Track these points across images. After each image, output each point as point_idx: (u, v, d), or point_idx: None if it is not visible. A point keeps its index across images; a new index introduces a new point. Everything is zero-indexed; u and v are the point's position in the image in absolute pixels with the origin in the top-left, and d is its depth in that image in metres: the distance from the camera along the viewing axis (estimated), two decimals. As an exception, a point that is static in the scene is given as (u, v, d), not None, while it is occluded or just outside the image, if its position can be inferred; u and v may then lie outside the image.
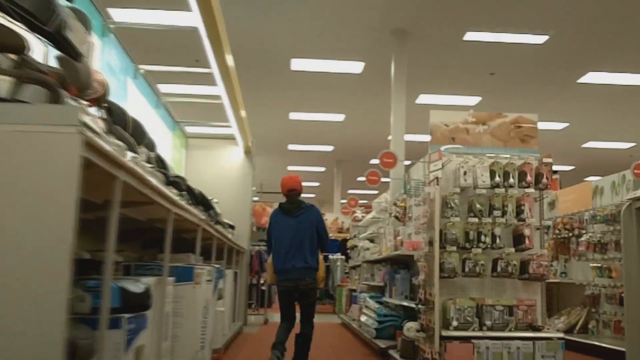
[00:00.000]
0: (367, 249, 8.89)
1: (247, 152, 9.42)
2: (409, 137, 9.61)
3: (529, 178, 4.92)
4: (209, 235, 5.48)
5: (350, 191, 21.74)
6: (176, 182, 4.09)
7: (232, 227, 8.25)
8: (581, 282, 7.86)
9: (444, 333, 4.60)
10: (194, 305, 3.67)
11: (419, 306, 4.92)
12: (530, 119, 5.23)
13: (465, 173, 4.87)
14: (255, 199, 20.11)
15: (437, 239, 4.72)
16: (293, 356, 5.31)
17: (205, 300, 3.69)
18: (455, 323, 4.61)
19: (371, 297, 7.35)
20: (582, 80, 10.73)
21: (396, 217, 7.36)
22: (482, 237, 4.82)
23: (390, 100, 9.66)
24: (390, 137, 9.36)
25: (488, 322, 4.67)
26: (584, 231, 7.72)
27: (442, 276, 4.72)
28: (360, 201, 13.50)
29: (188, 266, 3.74)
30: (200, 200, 5.16)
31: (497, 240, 4.84)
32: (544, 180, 4.94)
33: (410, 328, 5.26)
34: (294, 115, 13.47)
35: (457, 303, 4.66)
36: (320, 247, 5.39)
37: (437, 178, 4.84)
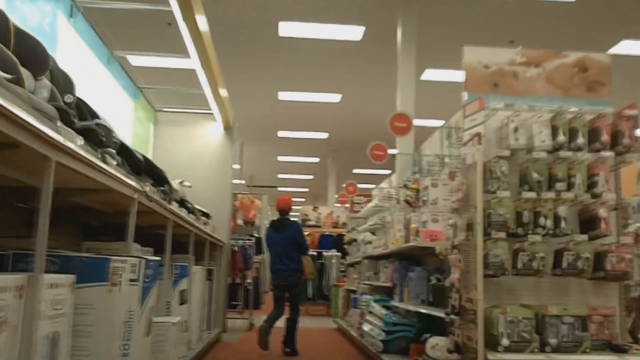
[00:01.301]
0: (369, 242, 7.48)
1: (227, 128, 7.98)
2: (418, 122, 8.20)
3: (604, 137, 3.52)
4: (163, 221, 4.07)
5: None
6: (92, 131, 2.66)
7: (206, 215, 6.84)
8: None
9: (491, 356, 3.18)
10: (108, 319, 2.25)
11: (452, 317, 3.51)
12: (600, 59, 3.82)
13: (516, 130, 3.46)
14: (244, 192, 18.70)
15: (480, 220, 3.31)
16: (284, 334, 6.86)
17: (126, 311, 2.28)
18: (506, 342, 3.20)
19: (376, 301, 5.93)
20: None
21: (407, 202, 5.95)
22: (541, 220, 3.42)
23: (396, 75, 8.24)
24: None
25: (553, 341, 3.26)
26: None
27: (485, 274, 3.31)
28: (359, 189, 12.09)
29: (98, 258, 2.32)
30: (146, 169, 3.74)
31: (562, 224, 3.44)
32: (625, 140, 3.53)
33: (436, 346, 3.85)
34: (283, 95, 12.03)
35: (508, 313, 3.24)
36: (301, 253, 6.99)
37: (479, 135, 3.41)
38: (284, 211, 7.15)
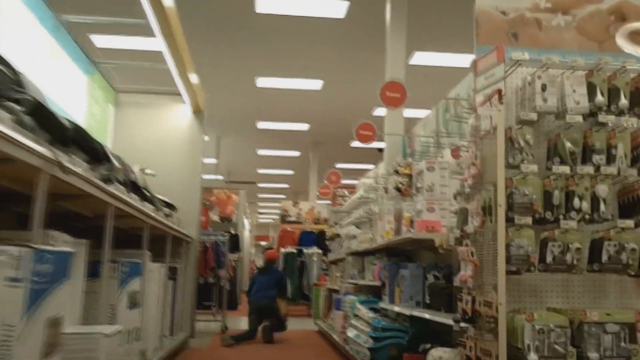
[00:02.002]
0: (354, 237, 6.74)
1: (197, 111, 7.19)
2: (407, 113, 7.46)
3: (651, 99, 2.80)
4: (102, 207, 3.29)
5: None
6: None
7: (170, 206, 6.06)
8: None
9: (516, 377, 2.46)
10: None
11: (463, 325, 2.77)
12: (641, 6, 3.11)
13: (544, 89, 2.73)
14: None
15: (502, 201, 2.57)
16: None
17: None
18: (534, 357, 2.47)
19: (362, 303, 5.19)
20: None
21: (397, 190, 5.23)
22: (575, 202, 2.70)
23: (383, 58, 7.47)
24: (382, 109, 7.18)
25: (594, 355, 2.54)
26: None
27: (506, 270, 2.58)
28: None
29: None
30: (75, 139, 2.94)
31: (602, 207, 2.72)
32: (677, 103, 2.82)
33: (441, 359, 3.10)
34: (262, 82, 11.24)
35: (536, 320, 2.52)
36: (280, 292, 8.20)
37: (499, 92, 2.67)
38: (271, 261, 8.81)
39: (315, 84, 11.33)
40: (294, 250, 13.16)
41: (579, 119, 2.72)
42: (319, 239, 13.77)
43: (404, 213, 4.70)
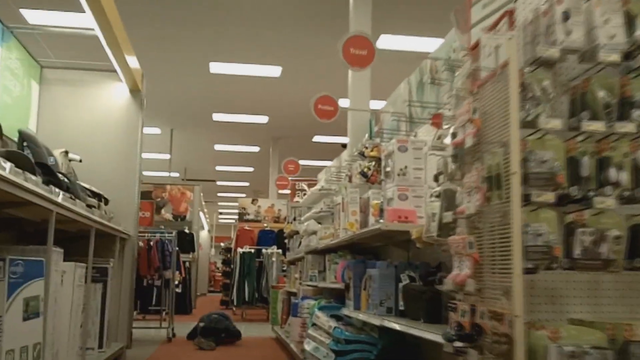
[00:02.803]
0: (314, 232, 5.95)
1: (135, 89, 6.30)
2: (373, 105, 6.69)
3: None
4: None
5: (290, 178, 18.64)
6: None
7: (97, 196, 5.18)
8: None
9: (539, 421, 1.70)
10: None
11: (459, 344, 1.98)
12: None
13: (566, 18, 1.99)
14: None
15: (516, 167, 1.81)
16: None
17: None
18: (563, 392, 1.72)
19: (322, 309, 4.39)
20: None
21: (363, 176, 4.46)
22: (611, 172, 1.96)
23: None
24: (345, 101, 6.41)
25: (644, 387, 1.80)
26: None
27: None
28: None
29: None
30: None
31: (646, 180, 1.98)
32: None
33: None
34: (215, 67, 10.35)
35: (563, 338, 1.77)
36: None
37: (509, 14, 1.90)
38: None
39: (274, 71, 10.51)
40: (252, 250, 12.33)
41: (615, 58, 1.97)
42: (278, 239, 12.98)
43: (371, 202, 3.93)
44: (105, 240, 5.58)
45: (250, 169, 19.91)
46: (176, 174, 19.16)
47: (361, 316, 3.63)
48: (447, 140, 3.13)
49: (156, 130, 14.73)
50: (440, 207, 2.74)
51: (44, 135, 5.82)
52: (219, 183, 22.35)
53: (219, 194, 25.58)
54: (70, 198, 4.10)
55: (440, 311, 2.85)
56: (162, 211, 14.10)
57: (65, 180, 4.37)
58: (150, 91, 11.57)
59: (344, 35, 4.49)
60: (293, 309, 5.60)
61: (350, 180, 5.25)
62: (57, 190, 3.68)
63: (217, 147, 16.64)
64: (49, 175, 4.05)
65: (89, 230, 5.00)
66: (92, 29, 4.97)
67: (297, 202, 8.02)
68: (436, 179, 3.14)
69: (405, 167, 3.90)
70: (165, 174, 17.27)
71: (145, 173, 19.07)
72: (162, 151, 16.00)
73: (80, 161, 5.57)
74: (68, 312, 3.88)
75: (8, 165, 2.96)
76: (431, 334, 2.19)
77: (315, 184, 8.70)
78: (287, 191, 16.81)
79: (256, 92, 11.75)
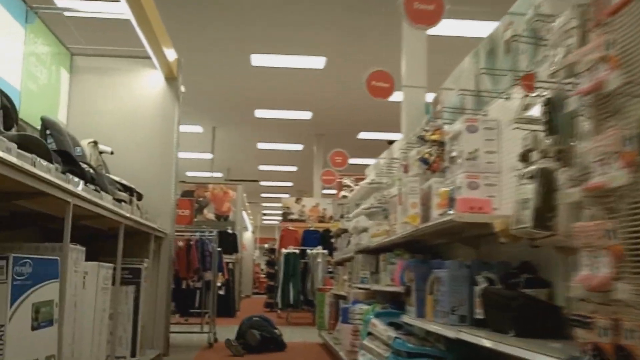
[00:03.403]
0: (364, 230, 5.40)
1: (171, 77, 5.88)
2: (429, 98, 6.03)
3: None
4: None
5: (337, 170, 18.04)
6: None
7: (129, 190, 4.75)
8: None
9: None
10: None
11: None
12: None
13: None
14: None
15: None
16: None
17: None
18: None
19: (379, 316, 3.84)
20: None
21: (424, 162, 3.89)
22: None
23: (400, 27, 6.06)
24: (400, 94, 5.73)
25: None
26: None
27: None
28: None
29: None
30: None
31: None
32: None
33: None
34: (257, 60, 9.91)
35: None
36: None
37: None
38: None
39: (318, 62, 9.98)
40: (296, 251, 11.85)
41: None
42: (323, 239, 12.46)
43: (437, 191, 3.37)
44: (139, 239, 5.17)
45: (294, 169, 19.47)
46: (219, 174, 18.86)
47: (430, 327, 3.06)
48: (536, 110, 2.55)
49: (198, 129, 14.40)
50: (535, 191, 2.17)
51: (75, 126, 5.46)
52: (262, 183, 21.98)
53: (263, 195, 25.25)
54: (96, 190, 3.66)
55: (535, 322, 2.27)
56: (205, 211, 13.77)
57: (91, 171, 3.94)
58: (191, 87, 11.25)
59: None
60: (343, 315, 5.06)
61: (405, 171, 4.68)
62: (76, 180, 3.23)
63: (260, 145, 16.23)
64: (71, 164, 3.62)
65: (136, 229, 4.60)
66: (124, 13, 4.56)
67: (344, 196, 7.45)
68: (524, 158, 2.56)
69: (476, 150, 3.34)
70: (208, 174, 16.96)
71: (187, 173, 18.93)
72: (204, 150, 15.69)
73: (112, 153, 5.18)
74: (91, 318, 3.43)
75: (13, 147, 2.52)
76: (544, 357, 1.61)
77: (363, 179, 8.13)
78: (333, 191, 16.28)
79: (299, 86, 11.26)
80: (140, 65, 5.86)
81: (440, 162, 3.79)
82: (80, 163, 3.84)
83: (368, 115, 13.09)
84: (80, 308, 3.29)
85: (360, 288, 5.27)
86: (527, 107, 2.60)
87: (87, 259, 3.53)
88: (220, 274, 10.25)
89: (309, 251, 11.72)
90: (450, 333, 2.61)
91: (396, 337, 3.33)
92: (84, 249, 3.35)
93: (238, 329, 7.15)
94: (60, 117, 5.50)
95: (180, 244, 7.65)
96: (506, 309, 2.34)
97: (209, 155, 15.69)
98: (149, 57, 5.61)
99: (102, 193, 3.79)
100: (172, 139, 5.82)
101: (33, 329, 2.65)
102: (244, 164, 18.99)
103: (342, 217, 7.40)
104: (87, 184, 3.64)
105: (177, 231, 8.08)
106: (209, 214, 13.69)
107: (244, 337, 6.87)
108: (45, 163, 2.79)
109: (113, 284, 4.03)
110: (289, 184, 22.33)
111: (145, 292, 4.99)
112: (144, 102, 5.81)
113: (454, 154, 3.50)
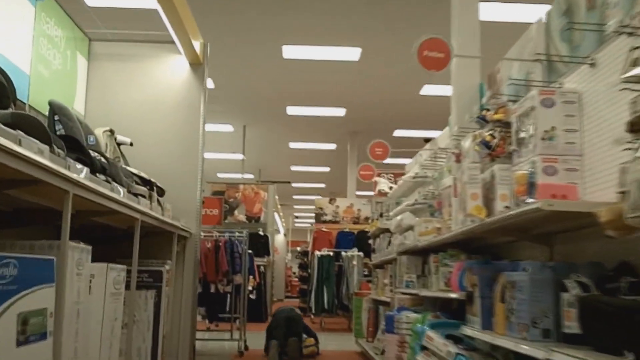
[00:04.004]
0: (410, 228, 4.84)
1: (196, 63, 5.41)
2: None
3: None
4: None
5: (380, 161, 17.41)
6: None
7: (149, 184, 4.30)
8: None
9: None
10: None
11: None
12: None
13: None
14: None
15: None
16: None
17: None
18: None
19: (435, 327, 3.27)
20: None
21: (485, 147, 3.32)
22: None
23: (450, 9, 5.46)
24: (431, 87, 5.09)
25: None
26: None
27: None
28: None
29: None
30: None
31: None
32: None
33: None
34: (289, 51, 9.42)
35: None
36: None
37: None
38: None
39: (353, 53, 9.44)
40: (330, 253, 11.32)
41: None
42: (358, 241, 11.93)
43: (515, 173, 2.81)
44: (161, 239, 4.71)
45: (327, 169, 18.95)
46: (251, 176, 18.43)
47: (507, 343, 2.49)
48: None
49: (228, 128, 13.97)
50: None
51: (93, 116, 5.03)
52: (294, 185, 21.51)
53: (295, 197, 24.78)
54: (106, 182, 3.19)
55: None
56: (235, 212, 13.35)
57: (102, 160, 3.47)
58: (220, 82, 10.84)
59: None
60: (387, 323, 4.50)
61: (458, 160, 4.11)
62: (79, 166, 2.75)
63: (292, 144, 15.75)
64: (78, 151, 3.16)
65: (157, 228, 4.15)
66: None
67: (383, 190, 6.88)
68: (634, 127, 2.00)
69: (552, 129, 2.77)
70: (239, 175, 16.53)
71: (218, 175, 18.53)
72: (235, 150, 15.28)
73: (131, 144, 4.73)
74: (99, 328, 2.95)
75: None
76: None
77: (401, 175, 7.55)
78: (368, 192, 15.69)
79: (333, 80, 10.73)
80: (163, 51, 5.40)
81: (505, 145, 3.23)
82: (91, 152, 3.38)
83: (404, 112, 12.51)
84: (85, 317, 2.81)
85: (405, 293, 4.70)
86: (636, 62, 2.02)
87: (104, 261, 3.07)
88: (251, 277, 9.79)
89: (343, 253, 11.19)
90: (539, 353, 2.04)
91: (458, 354, 2.77)
92: (89, 247, 2.87)
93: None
94: (77, 106, 5.07)
95: (208, 245, 7.19)
96: (622, 323, 1.77)
97: (239, 156, 15.28)
98: (172, 42, 5.15)
99: (115, 185, 3.31)
100: (198, 130, 5.35)
101: (19, 344, 2.16)
102: (275, 165, 18.54)
103: (381, 215, 6.84)
104: (97, 174, 3.18)
105: (205, 231, 7.63)
106: (239, 215, 13.25)
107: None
108: (40, 145, 2.33)
109: (128, 288, 3.55)
110: (322, 185, 21.81)
111: (167, 297, 4.51)
112: (168, 90, 5.36)
113: (523, 134, 2.93)
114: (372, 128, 13.84)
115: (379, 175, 7.73)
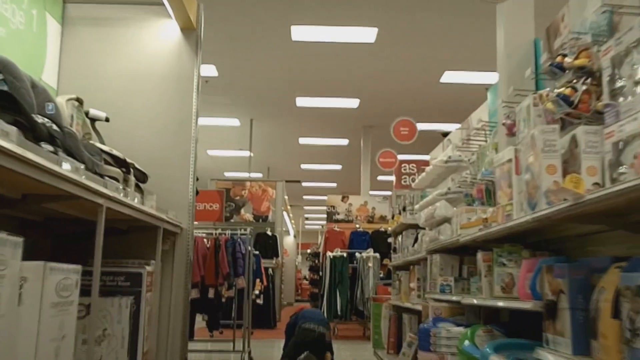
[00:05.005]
0: (446, 220, 3.98)
1: (188, 27, 4.58)
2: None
3: None
4: None
5: (380, 178, 16.52)
6: None
7: (124, 165, 3.48)
8: None
9: None
10: None
11: None
12: None
13: None
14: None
15: None
16: None
17: None
18: None
19: (499, 350, 2.42)
20: None
21: (564, 102, 2.46)
22: None
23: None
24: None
25: None
26: None
27: None
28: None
29: None
30: None
31: None
32: None
33: None
34: (298, 33, 8.58)
35: None
36: None
37: None
38: None
39: (368, 34, 8.60)
40: (344, 254, 10.46)
41: None
42: (374, 241, 11.09)
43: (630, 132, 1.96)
44: (147, 236, 3.88)
45: (338, 167, 18.09)
46: (259, 175, 17.59)
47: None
48: None
49: (234, 122, 13.16)
50: None
51: (67, 90, 4.19)
52: (304, 184, 20.66)
53: (305, 197, 23.93)
54: (53, 153, 2.38)
55: None
56: (242, 211, 12.55)
57: (54, 127, 2.65)
58: (225, 71, 10.04)
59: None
60: (421, 338, 3.62)
61: (510, 133, 3.26)
62: (5, 128, 1.93)
63: (302, 140, 14.91)
64: (17, 114, 2.34)
65: (136, 221, 3.37)
66: None
67: (404, 181, 6.03)
68: None
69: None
70: (246, 174, 15.68)
71: (225, 174, 17.70)
72: (242, 147, 14.46)
73: (107, 120, 3.92)
74: (31, 350, 2.11)
75: None
76: None
77: (425, 166, 6.68)
78: (384, 192, 14.80)
79: (346, 66, 9.88)
80: (150, 14, 4.57)
81: (591, 100, 2.38)
82: (37, 116, 2.56)
83: (422, 103, 11.65)
84: (12, 336, 1.98)
85: (440, 300, 3.84)
86: None
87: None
88: (258, 280, 8.97)
89: (357, 254, 10.34)
90: None
91: (543, 391, 1.91)
92: (18, 239, 2.02)
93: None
94: (47, 77, 4.26)
95: (207, 244, 6.36)
96: None
97: (246, 153, 14.46)
98: (160, 3, 4.34)
99: (68, 159, 2.49)
100: (191, 107, 4.52)
101: None
102: (284, 162, 17.69)
103: (404, 209, 5.99)
104: (41, 143, 2.36)
105: (204, 229, 6.80)
106: (246, 214, 12.45)
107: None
108: None
109: (89, 294, 2.73)
110: (333, 184, 20.94)
111: (149, 305, 3.68)
112: (156, 59, 4.52)
113: (620, 82, 2.09)
114: (388, 122, 12.96)
115: (400, 164, 6.85)
